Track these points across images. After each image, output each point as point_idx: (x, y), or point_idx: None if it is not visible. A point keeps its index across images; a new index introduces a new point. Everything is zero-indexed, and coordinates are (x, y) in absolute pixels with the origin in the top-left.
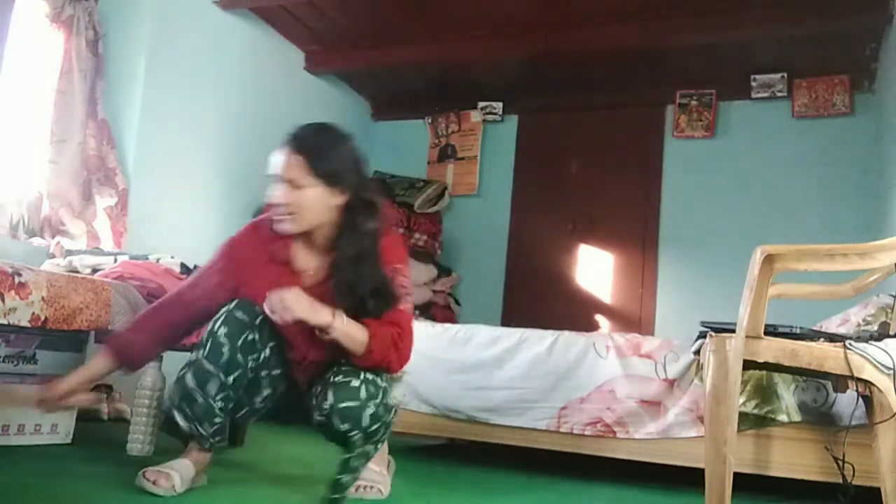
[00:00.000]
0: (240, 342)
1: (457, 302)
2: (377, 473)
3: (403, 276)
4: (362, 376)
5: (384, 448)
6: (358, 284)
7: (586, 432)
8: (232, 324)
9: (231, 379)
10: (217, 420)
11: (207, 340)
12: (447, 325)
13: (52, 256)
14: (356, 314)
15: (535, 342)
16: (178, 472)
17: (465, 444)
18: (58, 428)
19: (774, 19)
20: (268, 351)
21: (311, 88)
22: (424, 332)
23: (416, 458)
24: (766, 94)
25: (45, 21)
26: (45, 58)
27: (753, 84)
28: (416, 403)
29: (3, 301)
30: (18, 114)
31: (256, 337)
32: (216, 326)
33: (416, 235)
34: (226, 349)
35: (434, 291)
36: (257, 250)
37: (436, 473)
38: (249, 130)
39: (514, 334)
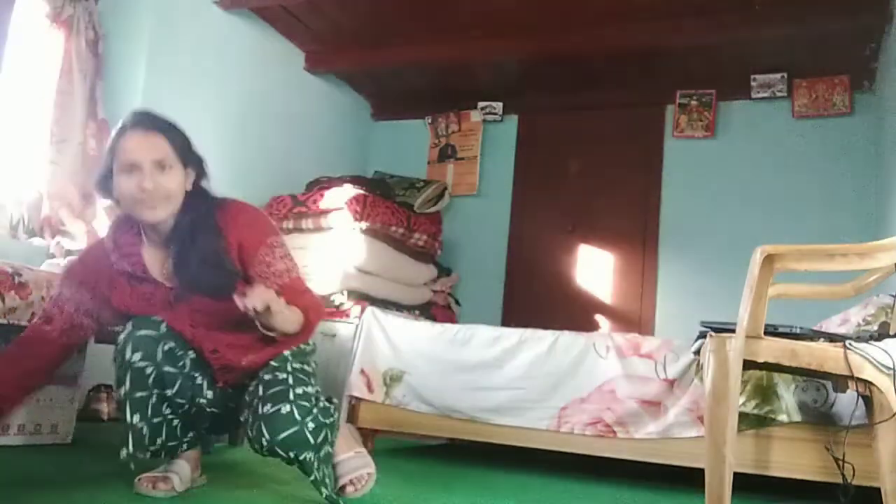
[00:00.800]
0: (160, 357)
1: (457, 302)
2: (355, 456)
3: (279, 248)
4: (290, 395)
5: (343, 429)
6: (204, 266)
7: (586, 432)
8: (142, 344)
9: (172, 391)
10: (175, 434)
11: (125, 373)
12: (447, 326)
13: (52, 256)
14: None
15: (535, 342)
16: (177, 474)
17: (465, 444)
18: (58, 428)
19: (774, 19)
20: (190, 355)
21: (311, 88)
22: (424, 333)
23: (416, 458)
24: (766, 94)
25: (45, 21)
26: (45, 58)
27: (753, 84)
28: (416, 403)
29: (3, 301)
30: (19, 114)
31: (173, 345)
32: (127, 355)
33: (416, 235)
34: (150, 370)
35: (434, 291)
36: (105, 265)
37: (436, 473)
38: (249, 130)
39: (514, 334)
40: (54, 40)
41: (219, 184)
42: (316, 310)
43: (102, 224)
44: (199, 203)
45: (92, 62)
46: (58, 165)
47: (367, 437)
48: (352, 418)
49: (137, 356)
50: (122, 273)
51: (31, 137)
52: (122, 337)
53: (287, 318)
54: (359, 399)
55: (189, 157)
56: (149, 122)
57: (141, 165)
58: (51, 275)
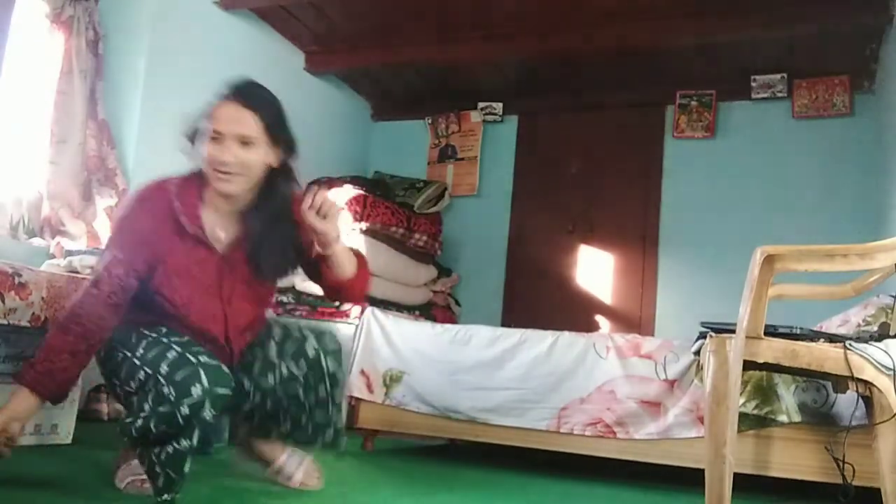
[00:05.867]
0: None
1: (457, 302)
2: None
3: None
4: (308, 381)
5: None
6: (275, 251)
7: (586, 433)
8: (219, 403)
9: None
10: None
11: (193, 426)
12: (447, 326)
13: (52, 257)
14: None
15: (535, 343)
16: None
17: (465, 445)
18: (58, 428)
19: (774, 19)
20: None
21: (311, 88)
22: (424, 333)
23: (416, 459)
24: (766, 95)
25: (45, 21)
26: (46, 58)
27: (753, 84)
28: (416, 404)
29: (3, 301)
30: (19, 114)
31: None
32: (205, 413)
33: (416, 236)
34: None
35: (434, 292)
36: (161, 222)
37: (436, 473)
38: None
39: (514, 335)
40: (54, 40)
41: None
42: (364, 258)
43: (103, 224)
44: (282, 183)
45: (92, 62)
46: (58, 165)
47: (368, 437)
48: (352, 419)
49: (211, 414)
50: (181, 233)
51: (31, 137)
52: (195, 390)
53: (347, 254)
54: (359, 399)
55: (280, 136)
56: (245, 96)
57: (225, 137)
58: (51, 275)
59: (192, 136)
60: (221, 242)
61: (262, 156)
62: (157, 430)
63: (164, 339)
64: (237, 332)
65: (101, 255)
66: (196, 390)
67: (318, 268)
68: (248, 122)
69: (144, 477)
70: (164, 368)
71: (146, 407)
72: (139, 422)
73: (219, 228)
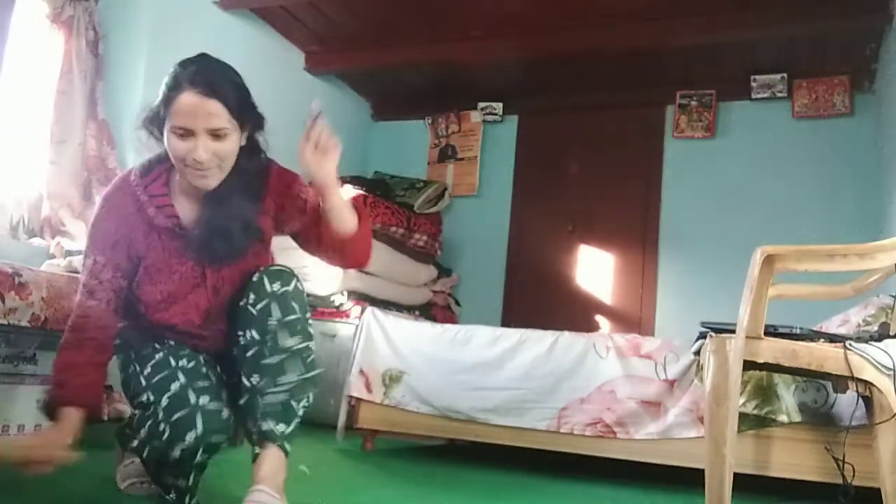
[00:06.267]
0: (178, 359)
1: (457, 302)
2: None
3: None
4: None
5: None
6: (232, 230)
7: (586, 433)
8: (213, 421)
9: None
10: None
11: (188, 452)
12: (447, 326)
13: (52, 257)
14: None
15: (535, 343)
16: None
17: (465, 445)
18: None
19: (774, 19)
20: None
21: (311, 88)
22: (424, 333)
23: (416, 459)
24: (766, 95)
25: (45, 22)
26: (46, 58)
27: (753, 84)
28: (416, 404)
29: (3, 301)
30: (19, 114)
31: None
32: (198, 429)
33: (416, 236)
34: (176, 385)
35: (434, 292)
36: (130, 217)
37: (436, 473)
38: None
39: (514, 335)
40: (54, 41)
41: None
42: (365, 213)
43: None
44: (248, 161)
45: (92, 62)
46: (58, 165)
47: (367, 437)
48: (351, 418)
49: (204, 458)
50: (154, 227)
51: (31, 137)
52: (190, 435)
53: (347, 205)
54: (358, 399)
55: (246, 115)
56: (206, 84)
57: (194, 133)
58: (51, 275)
59: (152, 120)
60: (190, 227)
61: (234, 143)
62: (148, 458)
63: (172, 362)
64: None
65: (83, 263)
66: (190, 436)
67: (315, 231)
68: (217, 114)
69: (147, 479)
70: (164, 401)
71: (142, 433)
72: (135, 442)
73: (193, 214)
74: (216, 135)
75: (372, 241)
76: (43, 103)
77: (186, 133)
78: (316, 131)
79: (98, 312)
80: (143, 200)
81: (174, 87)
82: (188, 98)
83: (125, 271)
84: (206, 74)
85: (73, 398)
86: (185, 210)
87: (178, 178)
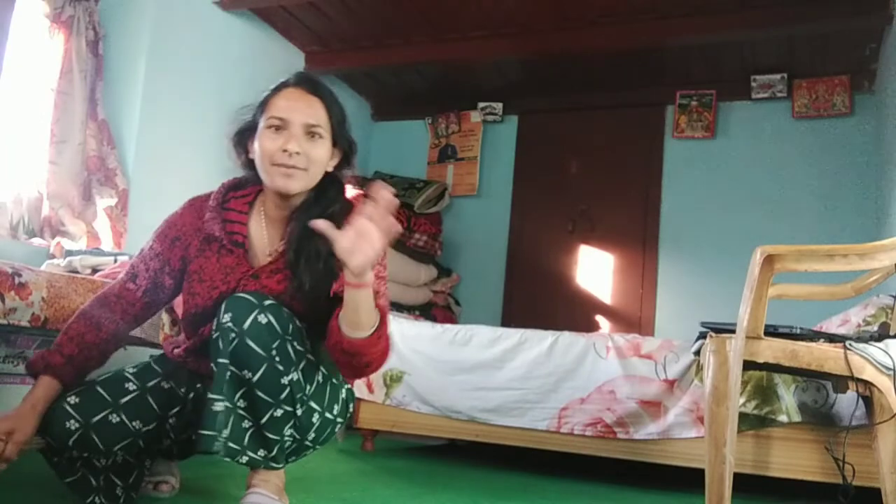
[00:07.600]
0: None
1: (457, 302)
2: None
3: (383, 268)
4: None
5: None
6: (317, 262)
7: (587, 433)
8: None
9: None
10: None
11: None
12: (447, 326)
13: (53, 257)
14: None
15: (536, 343)
16: (173, 476)
17: (465, 445)
18: None
19: (774, 19)
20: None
21: None
22: (425, 333)
23: (416, 458)
24: (766, 95)
25: (45, 21)
26: (46, 58)
27: (753, 84)
28: (416, 404)
29: (3, 301)
30: (19, 114)
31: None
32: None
33: (416, 236)
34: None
35: (434, 292)
36: (199, 227)
37: (436, 473)
38: None
39: (515, 335)
40: (54, 40)
41: (219, 184)
42: (387, 313)
43: (103, 224)
44: (333, 191)
45: (92, 62)
46: (58, 165)
47: (368, 437)
48: (352, 419)
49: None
50: (215, 240)
51: (31, 137)
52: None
53: (369, 307)
54: (359, 399)
55: (340, 136)
56: (312, 85)
57: (291, 125)
58: (51, 275)
59: (242, 136)
60: (261, 253)
61: (326, 153)
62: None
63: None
64: None
65: (142, 248)
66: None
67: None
68: (316, 110)
69: (157, 480)
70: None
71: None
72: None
73: (264, 237)
74: (310, 132)
75: (387, 356)
76: (43, 103)
77: (282, 125)
78: (383, 193)
79: (132, 297)
80: (214, 214)
81: (277, 89)
82: (290, 92)
83: (172, 270)
84: (312, 78)
85: (61, 373)
86: (257, 232)
87: (260, 199)
